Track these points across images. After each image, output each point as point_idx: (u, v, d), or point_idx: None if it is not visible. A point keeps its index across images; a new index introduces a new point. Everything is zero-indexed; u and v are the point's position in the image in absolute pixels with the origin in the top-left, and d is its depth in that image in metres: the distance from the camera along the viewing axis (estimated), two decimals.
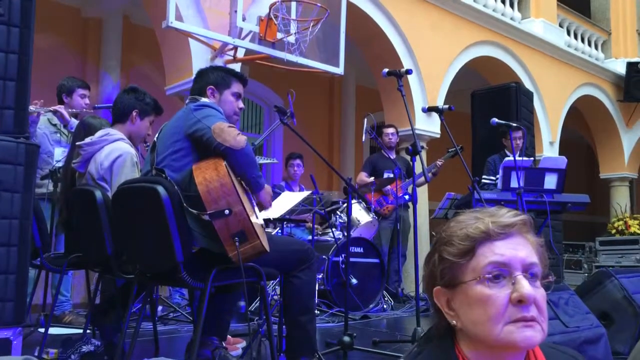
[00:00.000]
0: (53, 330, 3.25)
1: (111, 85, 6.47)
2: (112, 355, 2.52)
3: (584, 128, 11.14)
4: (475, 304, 0.91)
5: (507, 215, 0.95)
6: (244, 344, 3.12)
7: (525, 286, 0.89)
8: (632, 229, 9.57)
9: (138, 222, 2.28)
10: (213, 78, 2.55)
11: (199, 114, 2.29)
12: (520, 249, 0.93)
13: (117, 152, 2.71)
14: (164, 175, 2.24)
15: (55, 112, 3.79)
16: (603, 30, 10.86)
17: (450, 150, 5.46)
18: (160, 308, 4.15)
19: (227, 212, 2.07)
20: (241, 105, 2.60)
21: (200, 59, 5.02)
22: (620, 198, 10.70)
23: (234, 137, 2.21)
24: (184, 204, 2.14)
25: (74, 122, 3.80)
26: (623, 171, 10.74)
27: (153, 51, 5.92)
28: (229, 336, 2.94)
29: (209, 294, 2.14)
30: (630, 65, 10.28)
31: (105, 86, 6.50)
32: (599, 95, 10.27)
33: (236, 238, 2.08)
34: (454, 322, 0.95)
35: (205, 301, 2.12)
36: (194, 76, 2.66)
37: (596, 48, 10.69)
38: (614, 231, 9.81)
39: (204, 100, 2.45)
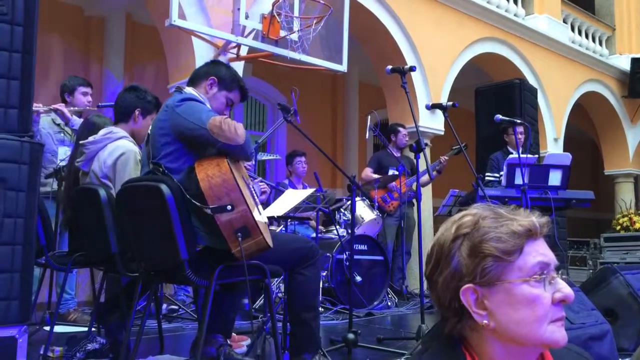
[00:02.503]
0: (58, 329, 3.26)
1: (115, 84, 6.48)
2: (117, 353, 2.53)
3: (588, 124, 11.10)
4: (521, 304, 0.90)
5: (535, 215, 0.95)
6: (248, 341, 3.13)
7: (567, 286, 0.91)
8: (637, 226, 9.52)
9: (142, 221, 2.29)
10: (223, 73, 2.49)
11: (181, 111, 2.23)
12: (549, 250, 0.94)
13: (120, 150, 2.72)
14: (161, 169, 2.23)
15: (55, 111, 3.79)
16: (607, 26, 10.81)
17: (454, 147, 5.45)
18: (164, 306, 4.16)
19: (229, 207, 2.07)
20: (227, 113, 2.53)
21: (203, 57, 5.02)
22: (625, 194, 10.66)
23: (235, 132, 2.18)
24: (187, 197, 2.14)
25: (77, 120, 3.81)
26: (628, 167, 10.70)
27: (156, 49, 5.93)
28: (233, 334, 2.94)
29: (214, 292, 2.14)
30: (635, 61, 10.24)
31: (108, 84, 6.52)
32: (604, 92, 10.23)
33: (239, 234, 2.08)
34: (485, 321, 0.92)
35: (209, 299, 2.12)
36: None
37: (600, 44, 10.64)
38: (618, 227, 9.77)
39: (186, 90, 2.39)
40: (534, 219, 0.94)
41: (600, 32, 10.67)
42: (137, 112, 2.86)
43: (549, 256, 0.92)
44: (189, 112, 2.22)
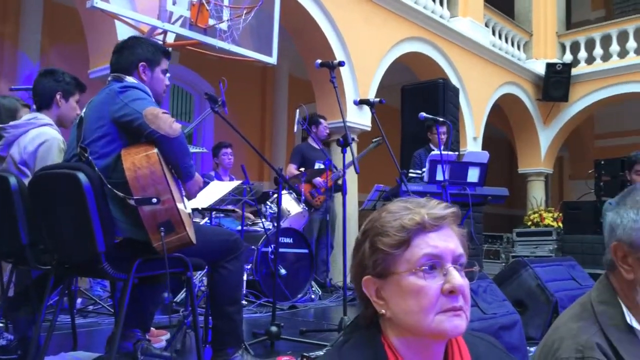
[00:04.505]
0: None
1: (30, 67, 6.12)
2: (26, 349, 2.40)
3: (505, 125, 11.65)
4: (408, 294, 0.92)
5: (439, 207, 0.96)
6: (168, 335, 3.06)
7: (457, 277, 0.92)
8: (546, 221, 10.13)
9: (57, 210, 2.17)
10: (144, 53, 2.38)
11: (125, 97, 2.15)
12: (450, 241, 0.95)
13: (43, 137, 2.60)
14: (86, 154, 2.13)
15: None
16: (525, 31, 11.38)
17: (374, 140, 5.60)
18: (79, 300, 3.99)
19: (154, 200, 2.01)
20: (167, 82, 2.48)
21: None
22: (537, 192, 11.31)
23: (170, 124, 2.12)
24: (109, 186, 2.05)
25: None
26: (539, 166, 11.35)
27: (76, 32, 5.64)
28: (152, 328, 2.87)
29: (132, 285, 2.07)
30: (549, 66, 10.84)
31: (23, 67, 6.15)
32: (520, 94, 10.78)
33: (162, 228, 2.02)
34: (383, 311, 0.95)
35: (127, 293, 2.05)
36: (113, 50, 2.44)
37: (518, 48, 11.19)
38: (529, 223, 10.34)
39: (129, 79, 2.31)
40: (434, 210, 0.96)
41: (518, 37, 11.21)
42: (58, 96, 2.76)
43: (441, 248, 0.93)
44: (131, 97, 2.15)
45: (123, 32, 4.84)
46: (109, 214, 2.07)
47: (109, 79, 2.36)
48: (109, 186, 2.06)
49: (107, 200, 2.07)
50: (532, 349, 2.67)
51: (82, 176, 2.02)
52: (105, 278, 2.56)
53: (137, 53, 2.38)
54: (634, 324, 1.11)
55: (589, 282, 3.58)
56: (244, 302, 4.14)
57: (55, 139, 2.63)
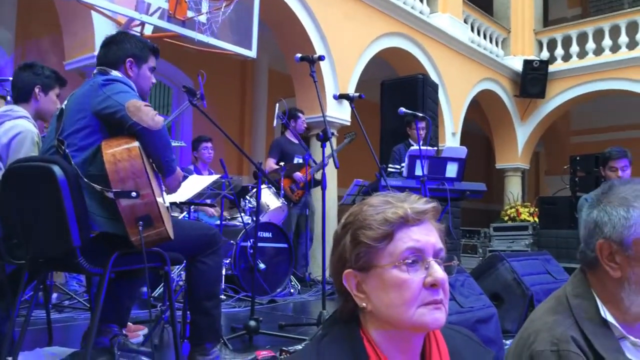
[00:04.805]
0: None
1: (4, 59, 5.99)
2: (0, 345, 2.35)
3: (483, 121, 11.78)
4: (391, 287, 0.92)
5: (420, 202, 0.97)
6: (145, 330, 3.03)
7: (439, 271, 0.93)
8: (523, 216, 10.27)
9: (31, 204, 2.13)
10: (132, 49, 2.35)
11: (108, 90, 2.13)
12: (431, 235, 0.96)
13: (17, 129, 2.55)
14: (63, 146, 2.10)
15: None
16: (503, 28, 11.49)
17: (347, 135, 5.62)
18: (55, 295, 3.94)
19: (134, 194, 1.98)
20: (154, 80, 2.48)
21: (103, 33, 4.73)
22: (513, 187, 11.46)
23: (152, 117, 2.09)
24: (86, 180, 2.02)
25: None
26: (516, 162, 11.50)
27: (52, 23, 5.54)
28: (129, 323, 2.84)
29: (108, 280, 2.05)
30: (527, 63, 10.98)
31: None
32: (498, 90, 10.89)
33: (140, 222, 2.00)
34: (364, 304, 0.96)
35: (103, 287, 2.02)
36: (101, 43, 2.42)
37: (497, 45, 11.30)
38: (506, 218, 10.47)
39: (114, 73, 2.28)
40: (416, 205, 0.96)
41: (497, 34, 11.32)
42: (37, 90, 2.73)
43: (423, 242, 0.94)
44: (115, 89, 2.13)
45: (100, 24, 4.76)
46: (85, 207, 2.03)
47: (95, 72, 2.33)
48: (86, 180, 2.03)
49: (83, 193, 2.04)
50: (508, 342, 2.70)
51: (57, 169, 1.98)
52: (81, 272, 2.52)
53: (125, 48, 2.36)
54: (608, 317, 1.13)
55: (563, 276, 3.64)
56: (222, 296, 4.13)
57: (29, 131, 2.59)
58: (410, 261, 0.93)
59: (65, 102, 2.27)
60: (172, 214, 3.21)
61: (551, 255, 3.99)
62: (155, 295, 4.15)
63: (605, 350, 1.07)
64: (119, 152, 2.02)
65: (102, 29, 4.76)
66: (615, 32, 10.69)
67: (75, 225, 1.97)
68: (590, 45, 10.90)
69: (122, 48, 2.35)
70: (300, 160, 5.72)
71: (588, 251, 1.17)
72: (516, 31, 11.53)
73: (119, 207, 1.98)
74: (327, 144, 3.42)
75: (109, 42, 2.39)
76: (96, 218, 2.05)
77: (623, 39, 10.50)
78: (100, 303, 2.03)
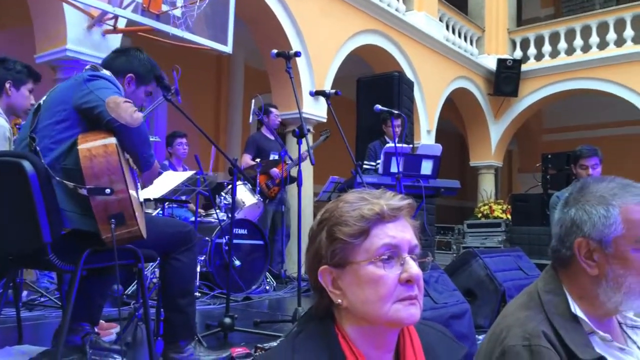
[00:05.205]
0: None
1: None
2: None
3: (457, 118, 11.90)
4: (367, 283, 0.93)
5: (396, 199, 0.98)
6: (118, 328, 2.99)
7: (414, 267, 0.94)
8: (496, 213, 10.42)
9: (1, 200, 2.08)
10: (138, 67, 2.38)
11: (92, 85, 2.10)
12: (407, 231, 0.97)
13: None
14: (34, 143, 2.06)
15: None
16: (478, 27, 11.62)
17: (322, 132, 5.62)
18: (25, 293, 3.86)
19: (108, 191, 1.95)
20: (145, 103, 2.49)
21: (75, 26, 4.67)
22: (487, 184, 11.62)
23: (131, 114, 2.06)
24: (57, 179, 1.98)
25: None
26: (490, 160, 11.65)
27: (22, 15, 5.41)
28: (102, 321, 2.80)
29: (80, 277, 2.01)
30: (500, 62, 11.12)
31: None
32: (472, 89, 11.02)
33: (113, 220, 1.96)
34: (340, 300, 0.96)
35: (75, 285, 1.99)
36: (113, 49, 2.46)
37: (471, 44, 11.42)
38: (480, 215, 10.61)
39: (104, 72, 2.25)
40: (391, 201, 0.97)
41: (471, 33, 11.44)
42: (8, 85, 2.70)
43: (399, 238, 0.95)
44: (98, 85, 2.11)
45: (72, 16, 4.67)
46: (56, 203, 1.99)
47: (87, 67, 2.29)
48: (57, 178, 1.99)
49: (54, 189, 2.00)
50: (480, 337, 2.74)
51: (27, 164, 1.94)
52: (52, 270, 2.48)
53: (132, 63, 2.38)
54: (578, 312, 1.15)
55: (535, 272, 3.70)
56: (197, 293, 4.09)
57: (0, 126, 2.54)
58: (385, 257, 0.94)
59: (45, 96, 2.23)
60: (146, 211, 3.17)
61: (523, 251, 4.05)
62: (129, 292, 4.10)
63: (575, 345, 1.09)
64: (95, 147, 1.99)
65: (74, 22, 4.67)
66: (586, 32, 10.89)
67: (45, 221, 1.93)
68: (562, 45, 11.09)
69: (129, 62, 2.38)
70: (276, 157, 5.70)
71: (563, 249, 1.18)
72: (490, 30, 11.66)
73: (92, 203, 1.95)
74: (303, 140, 3.41)
75: (120, 52, 2.43)
76: (68, 214, 2.01)
77: (594, 39, 10.70)
78: (71, 301, 2.00)
